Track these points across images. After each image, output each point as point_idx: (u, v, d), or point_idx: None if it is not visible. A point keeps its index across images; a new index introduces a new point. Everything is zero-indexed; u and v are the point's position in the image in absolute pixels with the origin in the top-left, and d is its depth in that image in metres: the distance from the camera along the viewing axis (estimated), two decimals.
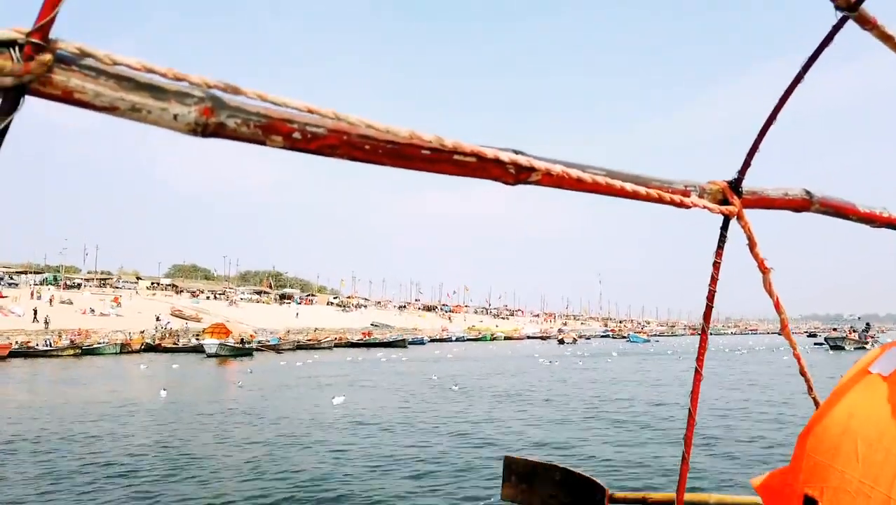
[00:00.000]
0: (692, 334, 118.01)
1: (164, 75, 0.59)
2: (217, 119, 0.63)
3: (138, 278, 79.05)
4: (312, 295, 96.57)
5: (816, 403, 1.36)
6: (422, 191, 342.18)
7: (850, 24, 1.06)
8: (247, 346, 48.73)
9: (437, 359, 44.16)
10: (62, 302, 56.45)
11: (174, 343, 51.21)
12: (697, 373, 1.35)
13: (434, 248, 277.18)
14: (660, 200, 0.99)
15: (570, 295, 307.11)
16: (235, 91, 0.62)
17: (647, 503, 2.69)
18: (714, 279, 1.32)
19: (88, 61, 0.56)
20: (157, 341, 50.73)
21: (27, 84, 0.53)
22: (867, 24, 1.04)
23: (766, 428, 14.79)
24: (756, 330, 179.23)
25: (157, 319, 56.84)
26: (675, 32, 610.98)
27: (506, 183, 0.83)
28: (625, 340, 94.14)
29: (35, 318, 48.05)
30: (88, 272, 78.43)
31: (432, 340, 76.22)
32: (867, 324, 73.58)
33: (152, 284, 77.89)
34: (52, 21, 0.52)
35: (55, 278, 67.00)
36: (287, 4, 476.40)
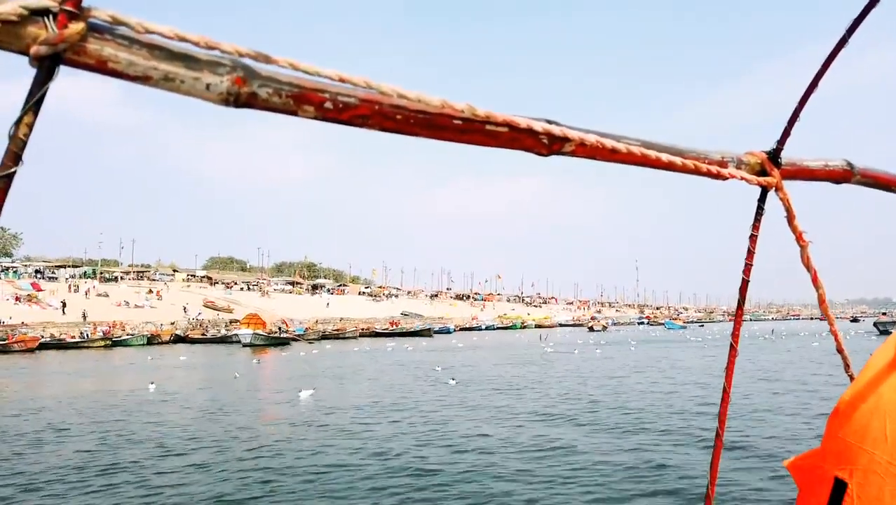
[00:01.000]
0: (730, 320, 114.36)
1: (196, 44, 0.56)
2: (249, 89, 0.60)
3: (175, 271, 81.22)
4: (344, 285, 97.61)
5: (853, 381, 1.30)
6: (455, 178, 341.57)
7: None
8: (283, 335, 49.33)
9: (453, 349, 43.67)
10: (98, 295, 58.51)
11: (202, 334, 52.42)
12: (732, 349, 1.28)
13: (467, 238, 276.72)
14: (696, 171, 0.95)
15: (605, 283, 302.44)
16: (267, 60, 0.59)
17: None
18: (751, 252, 1.25)
19: (121, 30, 0.54)
20: (186, 333, 52.02)
21: (61, 53, 0.51)
22: None
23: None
24: (798, 315, 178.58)
25: (185, 310, 58.15)
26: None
27: (539, 154, 0.80)
28: (661, 326, 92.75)
29: (63, 310, 49.76)
30: (129, 265, 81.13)
31: (462, 329, 75.97)
32: None
33: (188, 276, 79.92)
34: None
35: (93, 272, 69.50)
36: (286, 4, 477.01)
